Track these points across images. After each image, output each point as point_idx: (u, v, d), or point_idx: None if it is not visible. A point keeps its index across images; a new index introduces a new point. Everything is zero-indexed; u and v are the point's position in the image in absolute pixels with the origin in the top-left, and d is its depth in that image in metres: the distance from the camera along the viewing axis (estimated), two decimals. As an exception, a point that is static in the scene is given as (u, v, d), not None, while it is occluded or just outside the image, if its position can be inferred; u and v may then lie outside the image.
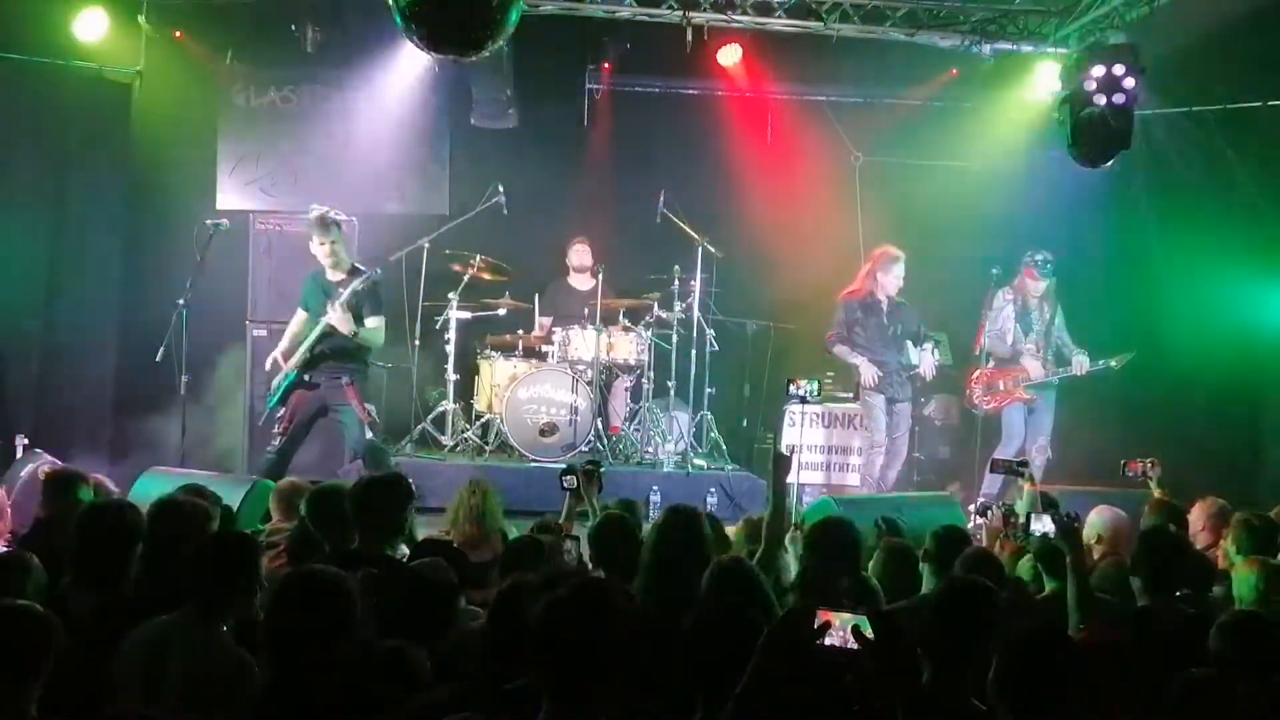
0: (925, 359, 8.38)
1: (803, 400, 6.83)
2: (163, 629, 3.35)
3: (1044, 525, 4.34)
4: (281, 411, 7.27)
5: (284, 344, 7.40)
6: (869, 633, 2.53)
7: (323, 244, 7.20)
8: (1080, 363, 8.21)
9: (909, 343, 8.41)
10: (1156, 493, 5.93)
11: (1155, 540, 4.30)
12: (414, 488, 4.81)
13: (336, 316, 7.06)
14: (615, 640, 2.62)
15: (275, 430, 7.27)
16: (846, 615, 2.56)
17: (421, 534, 5.02)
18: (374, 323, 7.23)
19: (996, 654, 2.84)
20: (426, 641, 3.36)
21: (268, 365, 7.42)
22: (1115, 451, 8.10)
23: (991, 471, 7.12)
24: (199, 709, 3.20)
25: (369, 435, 7.25)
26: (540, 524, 5.02)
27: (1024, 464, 5.91)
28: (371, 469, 7.10)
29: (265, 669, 3.06)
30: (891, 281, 8.34)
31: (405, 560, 4.30)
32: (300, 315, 7.46)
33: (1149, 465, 6.13)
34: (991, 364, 8.47)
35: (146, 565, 3.87)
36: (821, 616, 2.56)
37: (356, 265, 7.37)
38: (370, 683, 3.03)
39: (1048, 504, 4.98)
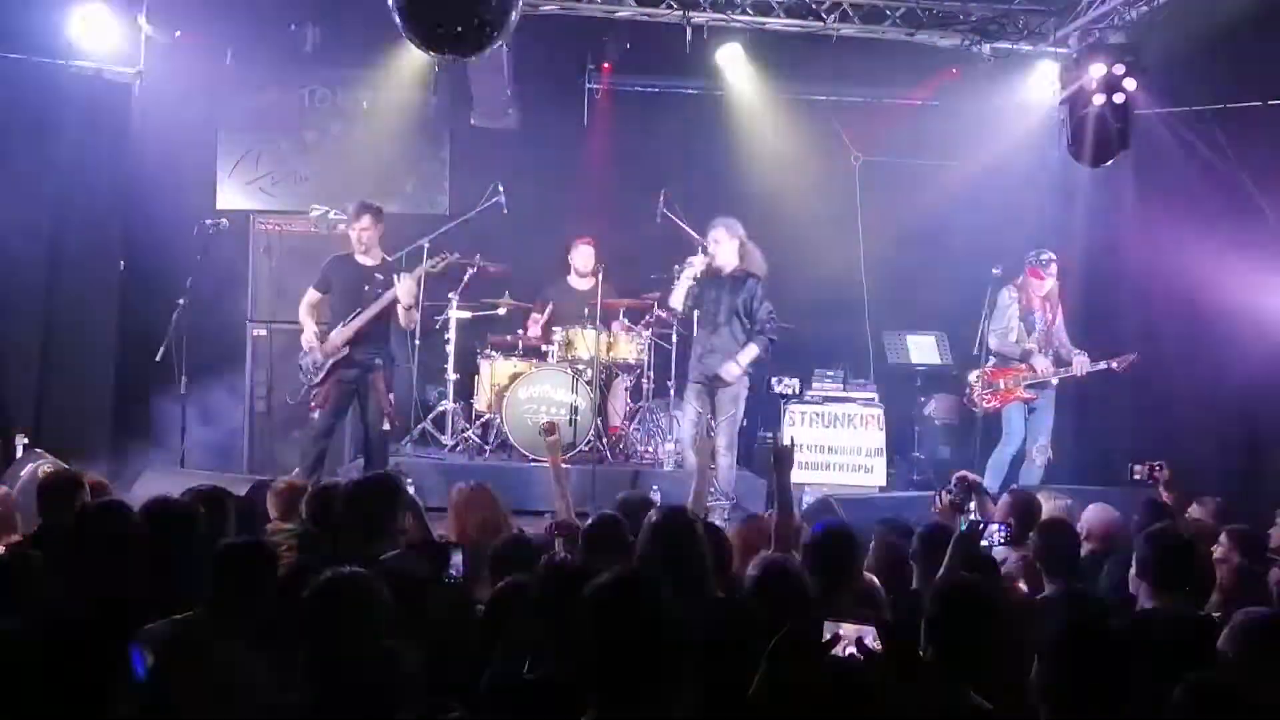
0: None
1: (784, 398, 6.81)
2: (176, 633, 3.35)
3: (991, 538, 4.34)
4: (317, 391, 7.45)
5: (312, 326, 7.55)
6: (876, 644, 2.52)
7: (366, 230, 7.46)
8: (1081, 363, 8.20)
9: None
10: (1166, 496, 5.90)
11: (1163, 541, 4.23)
12: (408, 487, 4.80)
13: (407, 286, 7.34)
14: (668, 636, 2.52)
15: (312, 404, 7.47)
16: (852, 626, 2.56)
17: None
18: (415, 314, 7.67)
19: (1040, 653, 2.83)
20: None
21: (305, 347, 7.54)
22: (1116, 452, 8.13)
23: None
24: (218, 713, 3.19)
25: (384, 426, 7.44)
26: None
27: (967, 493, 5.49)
28: (370, 462, 7.21)
29: (304, 682, 3.02)
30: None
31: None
32: (313, 296, 7.62)
33: (1157, 468, 6.10)
34: (993, 362, 8.46)
35: (143, 567, 3.87)
36: (828, 628, 2.56)
37: (385, 256, 7.61)
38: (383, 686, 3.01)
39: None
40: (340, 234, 8.08)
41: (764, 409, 9.46)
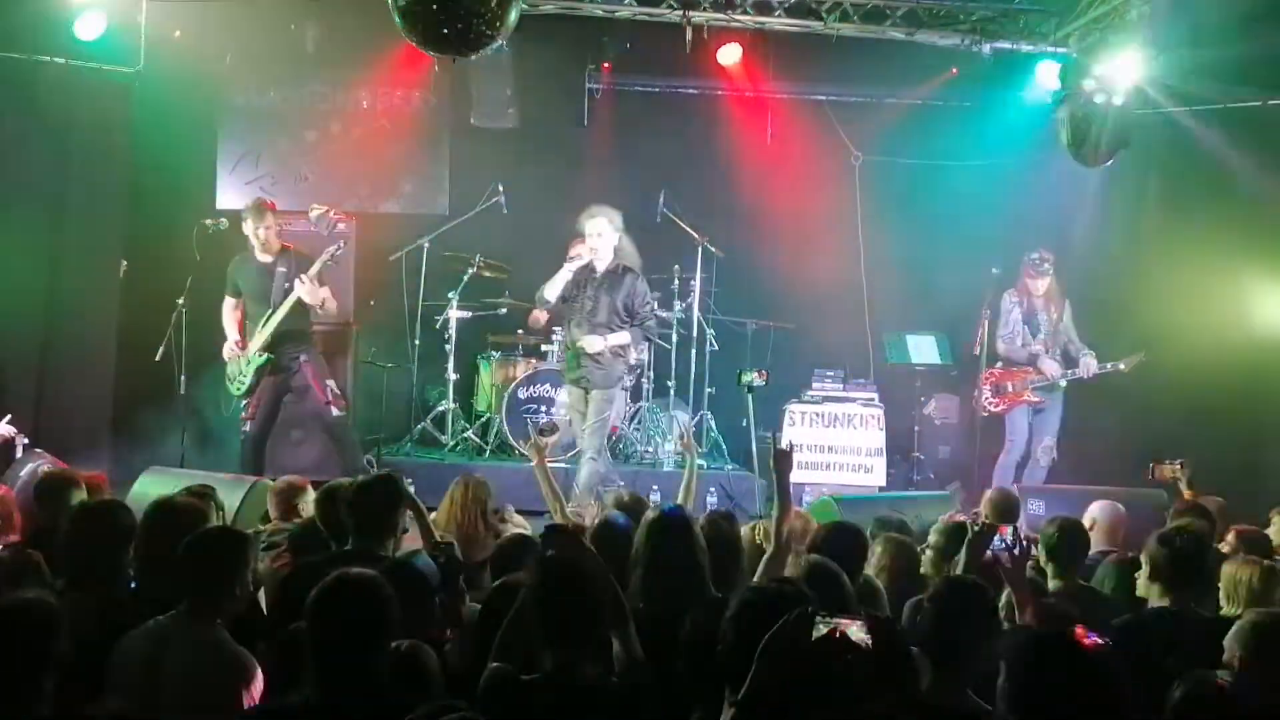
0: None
1: (750, 389, 6.73)
2: (159, 631, 3.35)
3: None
4: (247, 401, 7.48)
5: (233, 334, 7.56)
6: (868, 639, 2.52)
7: (259, 229, 7.40)
8: (1088, 365, 8.19)
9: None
10: (1187, 494, 5.89)
11: (1175, 541, 4.20)
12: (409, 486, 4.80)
13: (308, 289, 7.24)
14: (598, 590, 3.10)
15: (243, 416, 7.48)
16: (845, 621, 2.55)
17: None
18: (324, 292, 7.45)
19: (1004, 662, 2.82)
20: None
21: (226, 357, 7.57)
22: (1118, 453, 8.13)
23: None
24: (200, 709, 3.20)
25: (335, 413, 7.46)
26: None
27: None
28: (339, 447, 7.22)
29: (309, 679, 3.02)
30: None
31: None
32: (230, 303, 7.63)
33: (1178, 468, 6.07)
34: (999, 364, 8.44)
35: (142, 566, 3.87)
36: (820, 623, 2.55)
37: (284, 244, 7.57)
38: (393, 686, 3.01)
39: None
40: (340, 234, 8.08)
41: (765, 409, 9.49)
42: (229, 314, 7.63)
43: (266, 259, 7.47)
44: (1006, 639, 2.99)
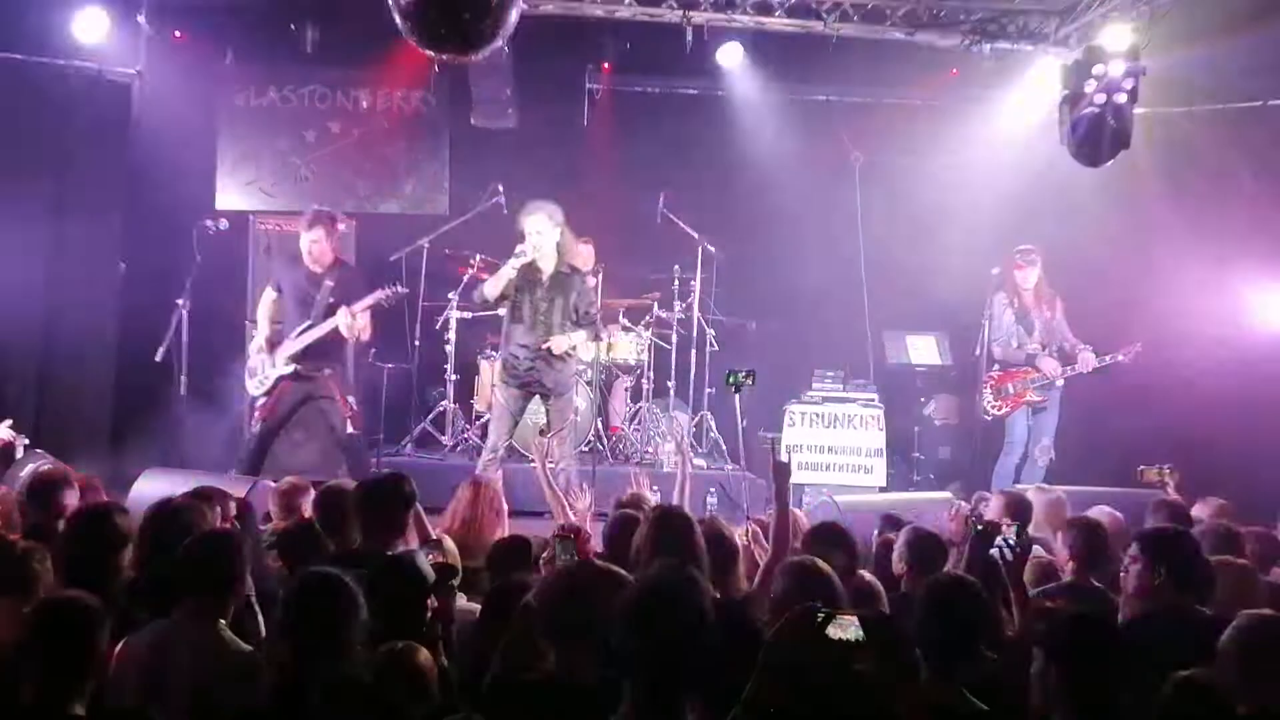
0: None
1: (738, 387, 6.68)
2: (161, 633, 3.35)
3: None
4: (263, 400, 7.39)
5: (265, 329, 7.44)
6: (867, 636, 2.52)
7: (305, 240, 7.28)
8: (1086, 360, 8.19)
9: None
10: (1174, 498, 5.90)
11: (1169, 541, 4.20)
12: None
13: (347, 321, 7.07)
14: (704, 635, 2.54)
15: (255, 417, 7.41)
16: (845, 619, 2.55)
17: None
18: (364, 319, 7.33)
19: (1045, 649, 2.83)
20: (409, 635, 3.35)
21: (252, 351, 7.48)
22: (1117, 452, 8.12)
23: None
24: (206, 709, 3.20)
25: (349, 430, 7.35)
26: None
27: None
28: (350, 464, 7.18)
29: (283, 672, 3.04)
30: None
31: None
32: (269, 295, 7.51)
33: (1167, 472, 6.08)
34: (997, 367, 8.43)
35: (143, 567, 3.87)
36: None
37: (339, 258, 7.48)
38: (379, 685, 3.02)
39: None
40: (340, 234, 8.08)
41: (765, 409, 9.51)
42: (265, 307, 7.50)
43: (317, 269, 7.30)
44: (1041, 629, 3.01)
